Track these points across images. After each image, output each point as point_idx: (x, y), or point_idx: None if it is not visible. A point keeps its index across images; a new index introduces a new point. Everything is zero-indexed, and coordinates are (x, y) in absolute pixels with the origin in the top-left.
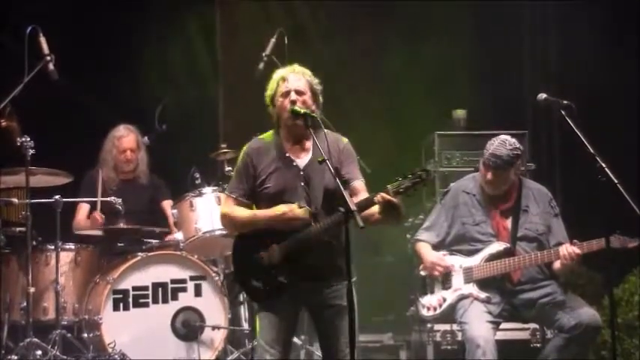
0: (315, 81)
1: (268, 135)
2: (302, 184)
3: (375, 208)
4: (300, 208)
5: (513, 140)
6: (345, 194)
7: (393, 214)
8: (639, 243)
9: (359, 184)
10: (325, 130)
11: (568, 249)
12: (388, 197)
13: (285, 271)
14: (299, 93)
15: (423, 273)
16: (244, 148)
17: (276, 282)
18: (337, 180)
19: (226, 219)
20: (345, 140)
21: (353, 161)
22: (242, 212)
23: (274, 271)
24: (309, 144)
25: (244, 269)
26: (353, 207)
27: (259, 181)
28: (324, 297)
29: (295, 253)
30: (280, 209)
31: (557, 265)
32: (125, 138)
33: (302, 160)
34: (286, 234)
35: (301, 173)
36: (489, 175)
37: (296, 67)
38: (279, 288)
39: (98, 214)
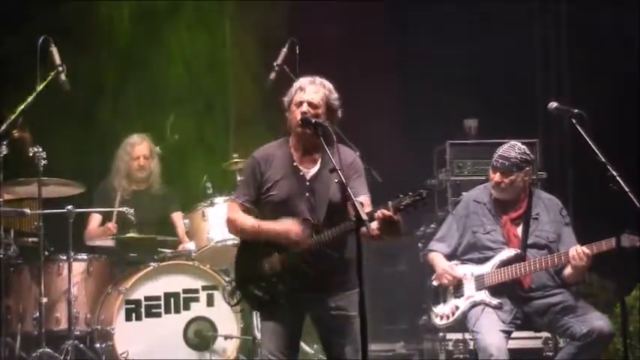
0: (334, 96)
1: (279, 141)
2: (307, 194)
3: (375, 224)
4: (305, 221)
5: (523, 146)
6: (357, 203)
7: (391, 230)
8: None
9: (364, 199)
10: (336, 143)
11: (578, 249)
12: (388, 213)
13: (286, 281)
14: (312, 105)
15: (435, 283)
16: (253, 153)
17: (278, 291)
18: (348, 190)
19: (232, 225)
20: (355, 155)
21: (360, 176)
22: (248, 220)
23: (276, 280)
24: (318, 156)
25: (246, 277)
26: (364, 216)
27: (265, 188)
28: (326, 307)
29: (298, 263)
30: (286, 226)
31: (567, 271)
32: (139, 145)
33: (309, 171)
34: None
35: (307, 184)
36: (496, 177)
37: (317, 78)
38: (280, 297)
39: (112, 225)
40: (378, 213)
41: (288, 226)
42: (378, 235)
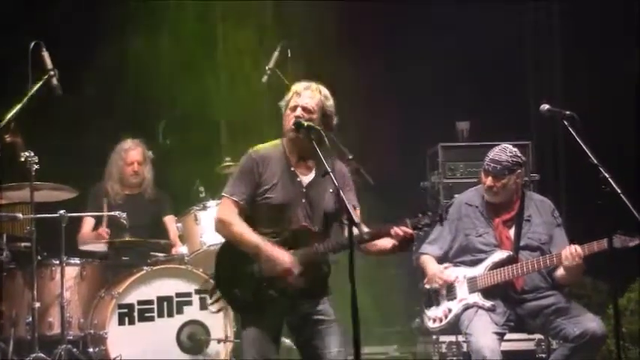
0: (330, 102)
1: (275, 144)
2: (303, 201)
3: (384, 241)
4: (304, 228)
5: (514, 149)
6: (349, 206)
7: (406, 246)
8: None
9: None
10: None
11: (570, 250)
12: (409, 231)
13: (276, 285)
14: (306, 110)
15: (427, 286)
16: (249, 151)
17: (267, 295)
18: (341, 193)
19: (223, 226)
20: (345, 167)
21: (351, 189)
22: (246, 233)
23: (265, 284)
24: (312, 163)
25: (231, 278)
26: (357, 219)
27: (261, 189)
28: (311, 312)
29: None
30: (285, 263)
31: (560, 273)
32: (132, 151)
33: (306, 178)
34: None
35: (303, 190)
36: (488, 181)
37: (313, 84)
38: (268, 301)
39: (104, 230)
40: (397, 230)
41: (286, 263)
42: (391, 250)
